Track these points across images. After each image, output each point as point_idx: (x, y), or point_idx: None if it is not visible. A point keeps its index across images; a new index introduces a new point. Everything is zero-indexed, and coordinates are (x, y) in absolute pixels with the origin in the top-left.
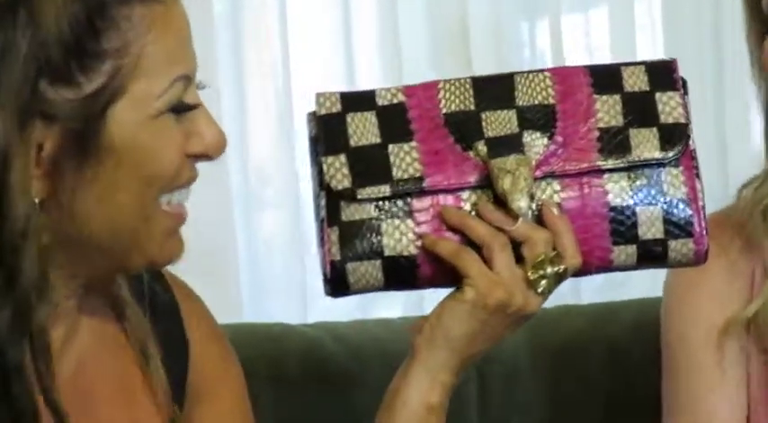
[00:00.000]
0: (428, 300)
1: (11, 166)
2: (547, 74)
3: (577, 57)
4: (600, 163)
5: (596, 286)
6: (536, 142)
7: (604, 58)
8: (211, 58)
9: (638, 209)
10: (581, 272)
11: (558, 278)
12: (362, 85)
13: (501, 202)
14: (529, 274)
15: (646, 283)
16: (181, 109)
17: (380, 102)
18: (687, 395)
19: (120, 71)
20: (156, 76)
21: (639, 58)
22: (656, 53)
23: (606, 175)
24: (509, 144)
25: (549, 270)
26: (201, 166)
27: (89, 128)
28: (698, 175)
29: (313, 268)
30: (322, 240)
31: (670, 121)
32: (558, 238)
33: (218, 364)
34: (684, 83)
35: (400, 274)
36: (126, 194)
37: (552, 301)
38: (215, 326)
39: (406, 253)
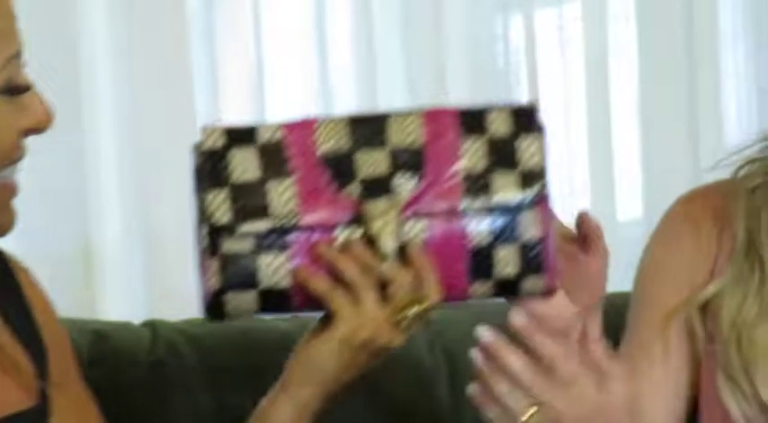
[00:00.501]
0: None
1: None
2: (418, 115)
3: (551, 50)
4: (463, 204)
5: None
6: (406, 184)
7: (578, 51)
8: (186, 65)
9: (495, 248)
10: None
11: (421, 316)
12: (335, 78)
13: (371, 240)
14: (394, 314)
15: (613, 278)
16: (16, 90)
17: (261, 138)
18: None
19: None
20: None
21: (612, 53)
22: (630, 47)
23: (469, 216)
24: (380, 186)
25: (412, 310)
26: (181, 164)
27: None
28: (552, 216)
29: None
30: (202, 269)
31: (529, 165)
32: (420, 277)
33: (66, 344)
34: (543, 126)
35: (275, 304)
36: None
37: None
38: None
39: (280, 285)
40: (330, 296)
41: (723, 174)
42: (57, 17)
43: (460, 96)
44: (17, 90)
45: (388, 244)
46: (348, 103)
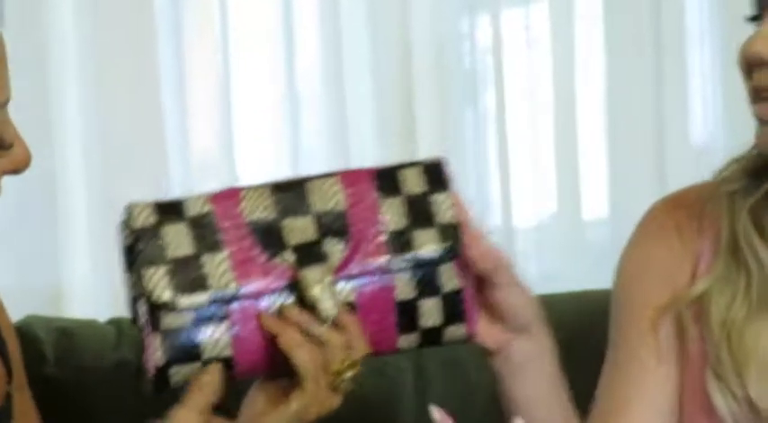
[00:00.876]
0: None
1: None
2: (336, 178)
3: (518, 50)
4: (389, 262)
5: (532, 280)
6: (335, 248)
7: (545, 51)
8: (153, 66)
9: (419, 302)
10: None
11: (355, 377)
12: (302, 77)
13: (305, 303)
14: (332, 380)
15: (579, 276)
16: (2, 146)
17: (190, 212)
18: (620, 372)
19: None
20: None
21: (578, 53)
22: (597, 47)
23: (394, 274)
24: (311, 252)
25: (348, 374)
26: (147, 168)
27: None
28: (467, 266)
29: None
30: (144, 344)
31: (445, 221)
32: (351, 337)
33: (18, 347)
34: (452, 180)
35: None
36: None
37: None
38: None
39: (222, 355)
40: (307, 370)
41: (688, 177)
42: (25, 19)
43: (427, 96)
44: (2, 146)
45: (329, 309)
46: (315, 102)
